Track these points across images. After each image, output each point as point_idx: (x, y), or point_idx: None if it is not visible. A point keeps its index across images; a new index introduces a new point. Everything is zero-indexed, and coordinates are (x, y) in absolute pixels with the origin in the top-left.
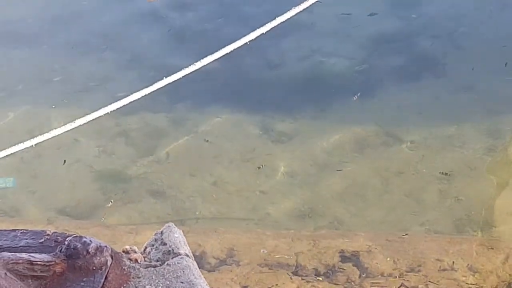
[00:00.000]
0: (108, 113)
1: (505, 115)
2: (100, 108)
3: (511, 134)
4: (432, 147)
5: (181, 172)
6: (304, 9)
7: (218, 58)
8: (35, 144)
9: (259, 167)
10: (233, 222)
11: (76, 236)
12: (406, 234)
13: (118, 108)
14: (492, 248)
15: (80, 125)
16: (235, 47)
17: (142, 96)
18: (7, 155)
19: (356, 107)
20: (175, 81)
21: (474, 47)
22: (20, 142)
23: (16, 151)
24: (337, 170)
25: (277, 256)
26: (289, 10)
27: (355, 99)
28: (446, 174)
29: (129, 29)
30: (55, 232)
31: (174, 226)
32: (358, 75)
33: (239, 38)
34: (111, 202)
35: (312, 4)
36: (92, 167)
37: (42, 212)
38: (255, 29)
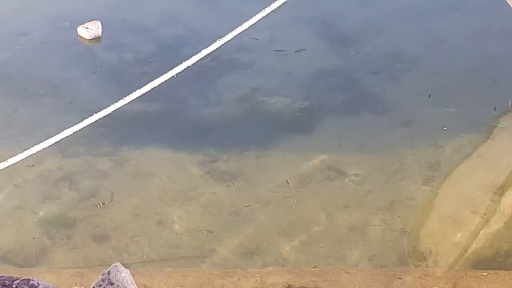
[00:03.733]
0: (41, 150)
1: (443, 148)
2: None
3: (449, 165)
4: (375, 180)
5: (126, 213)
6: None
7: (146, 92)
8: None
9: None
10: (180, 262)
11: (24, 279)
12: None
13: (50, 145)
14: (439, 278)
15: (14, 163)
16: (163, 80)
17: (74, 132)
18: None
19: (298, 144)
20: (105, 117)
21: (412, 82)
22: None
23: None
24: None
25: None
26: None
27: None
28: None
29: (68, 73)
30: (2, 276)
31: (121, 265)
32: (299, 113)
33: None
34: None
35: (237, 35)
36: (36, 213)
37: None
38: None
